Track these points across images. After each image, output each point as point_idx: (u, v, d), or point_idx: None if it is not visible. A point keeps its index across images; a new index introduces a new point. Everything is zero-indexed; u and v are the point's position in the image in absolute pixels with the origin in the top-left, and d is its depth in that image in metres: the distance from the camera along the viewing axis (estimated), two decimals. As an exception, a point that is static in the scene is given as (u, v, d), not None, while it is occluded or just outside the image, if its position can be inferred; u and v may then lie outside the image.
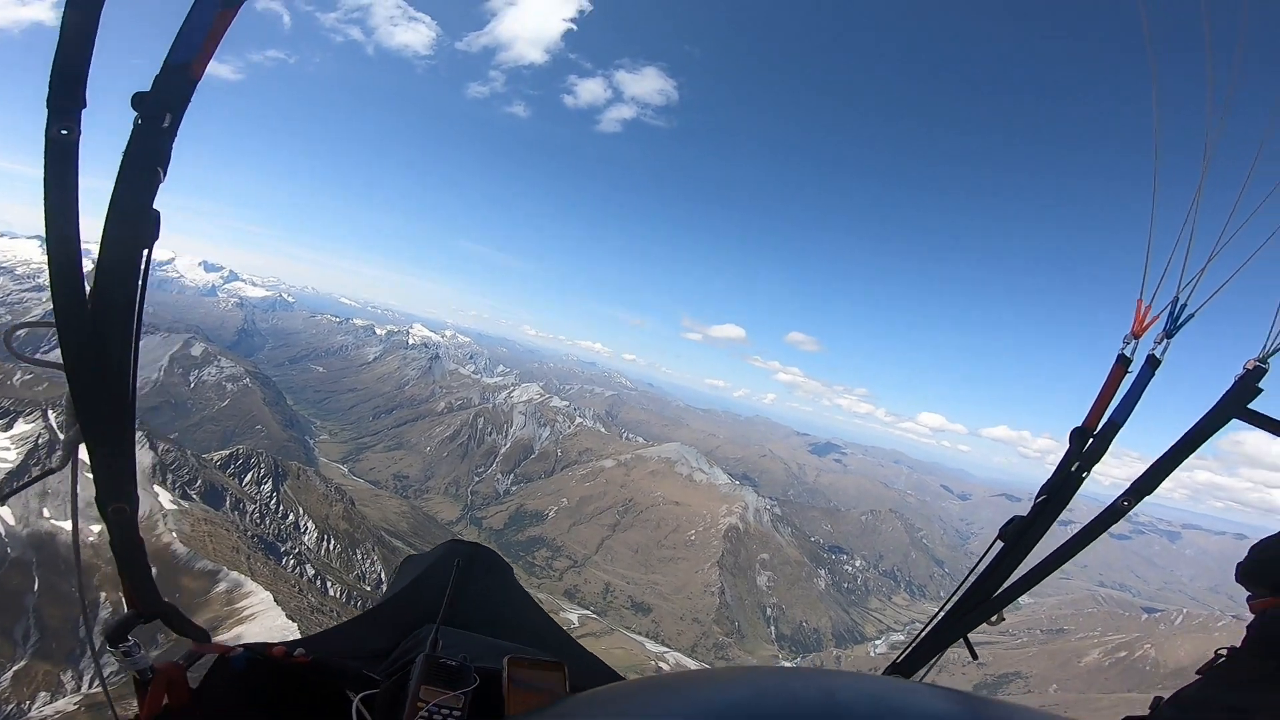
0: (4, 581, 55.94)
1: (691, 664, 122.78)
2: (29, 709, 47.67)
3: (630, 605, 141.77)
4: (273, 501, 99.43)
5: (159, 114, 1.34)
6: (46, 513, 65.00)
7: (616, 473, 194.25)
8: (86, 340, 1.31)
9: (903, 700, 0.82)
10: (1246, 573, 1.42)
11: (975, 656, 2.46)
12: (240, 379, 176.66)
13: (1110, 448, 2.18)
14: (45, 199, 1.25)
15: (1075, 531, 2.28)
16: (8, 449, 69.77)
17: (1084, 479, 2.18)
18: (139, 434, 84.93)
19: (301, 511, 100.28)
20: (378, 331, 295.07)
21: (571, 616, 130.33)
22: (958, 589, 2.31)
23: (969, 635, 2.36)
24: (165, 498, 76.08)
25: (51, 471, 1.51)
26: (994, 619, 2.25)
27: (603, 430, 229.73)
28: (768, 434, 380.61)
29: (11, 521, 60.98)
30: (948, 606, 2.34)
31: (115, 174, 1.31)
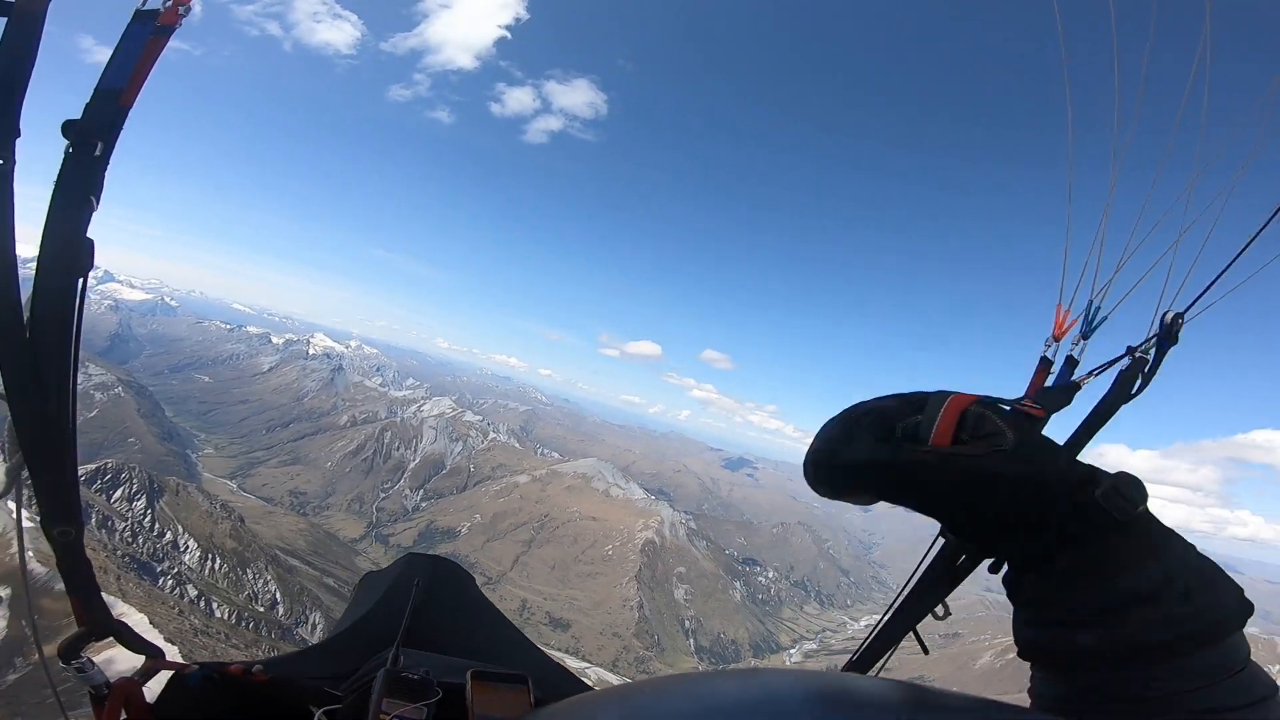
0: None
1: (614, 679, 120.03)
2: None
3: (549, 621, 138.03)
4: (146, 519, 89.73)
5: (89, 142, 1.33)
6: None
7: (532, 488, 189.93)
8: (25, 369, 1.32)
9: (881, 692, 0.81)
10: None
11: (926, 650, 2.51)
12: (111, 387, 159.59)
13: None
14: None
15: None
16: None
17: None
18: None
19: (181, 530, 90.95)
20: (274, 340, 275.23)
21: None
22: (905, 584, 2.32)
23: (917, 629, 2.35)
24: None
25: None
26: (940, 611, 2.29)
27: (517, 445, 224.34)
28: (683, 449, 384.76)
29: None
30: (897, 602, 2.36)
31: (48, 202, 1.30)
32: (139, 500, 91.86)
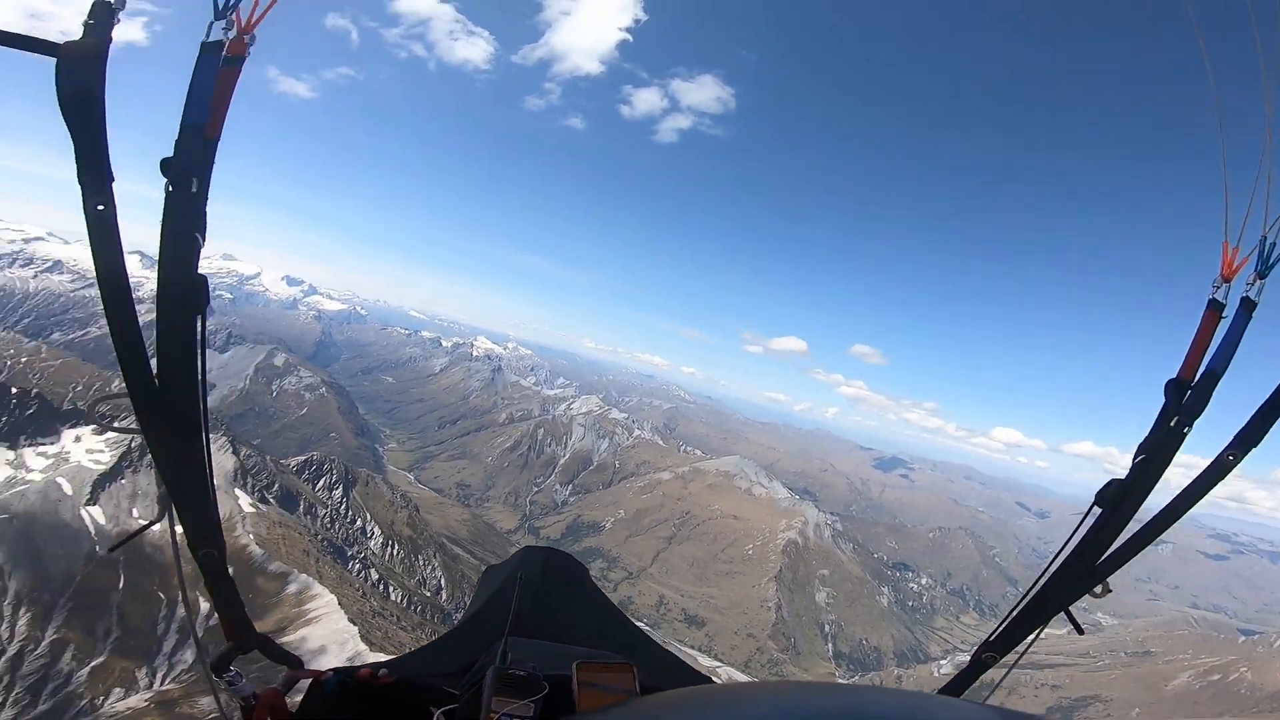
0: (92, 579, 60.19)
1: (744, 679, 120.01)
2: (102, 704, 49.93)
3: (684, 618, 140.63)
4: (343, 506, 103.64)
5: (186, 179, 1.40)
6: (135, 512, 69.98)
7: (674, 485, 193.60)
8: (161, 418, 1.45)
9: None
10: None
11: (1080, 630, 2.37)
12: (317, 388, 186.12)
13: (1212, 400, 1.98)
14: (97, 273, 1.36)
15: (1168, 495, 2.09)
16: (101, 451, 75.58)
17: (1185, 434, 2.00)
18: (224, 439, 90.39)
19: (369, 517, 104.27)
20: (444, 343, 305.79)
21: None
22: (1053, 559, 2.18)
23: (1070, 608, 2.21)
24: (245, 500, 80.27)
25: (151, 524, 1.73)
26: (1099, 590, 2.14)
27: (661, 443, 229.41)
28: (830, 448, 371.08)
29: (103, 521, 65.99)
30: (1044, 578, 2.21)
31: (157, 244, 1.40)
32: (337, 489, 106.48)
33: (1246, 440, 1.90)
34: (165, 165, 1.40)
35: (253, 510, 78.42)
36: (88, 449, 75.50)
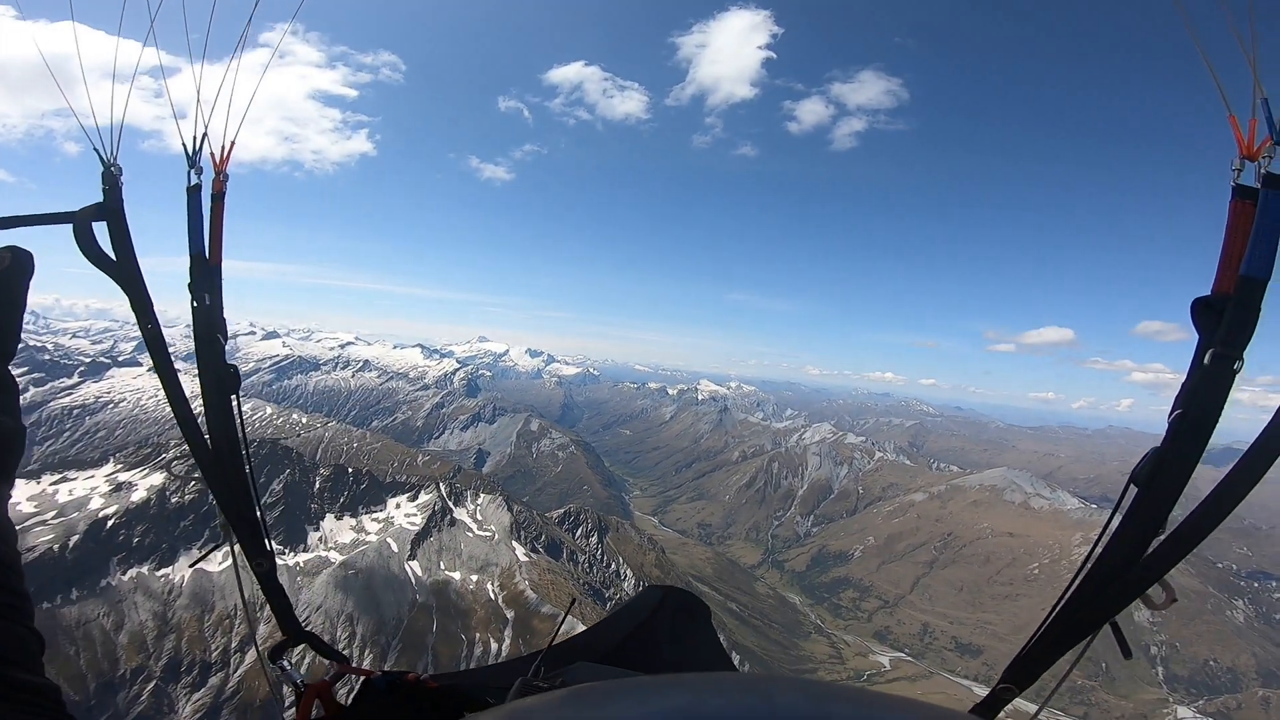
0: (414, 623, 73.58)
1: (1031, 709, 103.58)
2: None
3: (954, 647, 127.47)
4: (598, 552, 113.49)
5: (201, 297, 1.79)
6: (443, 565, 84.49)
7: (929, 506, 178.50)
8: (214, 465, 1.85)
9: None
10: None
11: (1128, 651, 1.74)
12: (568, 447, 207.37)
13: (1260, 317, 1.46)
14: (158, 374, 1.78)
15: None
16: (414, 515, 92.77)
17: (1236, 371, 1.46)
18: (500, 499, 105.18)
19: (621, 560, 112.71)
20: (670, 392, 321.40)
21: (882, 659, 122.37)
22: (1085, 561, 1.64)
23: (1116, 620, 1.63)
24: (520, 551, 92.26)
25: (218, 546, 2.05)
26: (1161, 599, 1.55)
27: (908, 462, 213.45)
28: (1130, 447, 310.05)
29: (420, 573, 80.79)
30: (1073, 587, 1.68)
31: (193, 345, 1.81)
32: (592, 537, 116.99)
33: None
34: (189, 287, 1.76)
35: (527, 560, 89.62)
36: (405, 514, 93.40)
